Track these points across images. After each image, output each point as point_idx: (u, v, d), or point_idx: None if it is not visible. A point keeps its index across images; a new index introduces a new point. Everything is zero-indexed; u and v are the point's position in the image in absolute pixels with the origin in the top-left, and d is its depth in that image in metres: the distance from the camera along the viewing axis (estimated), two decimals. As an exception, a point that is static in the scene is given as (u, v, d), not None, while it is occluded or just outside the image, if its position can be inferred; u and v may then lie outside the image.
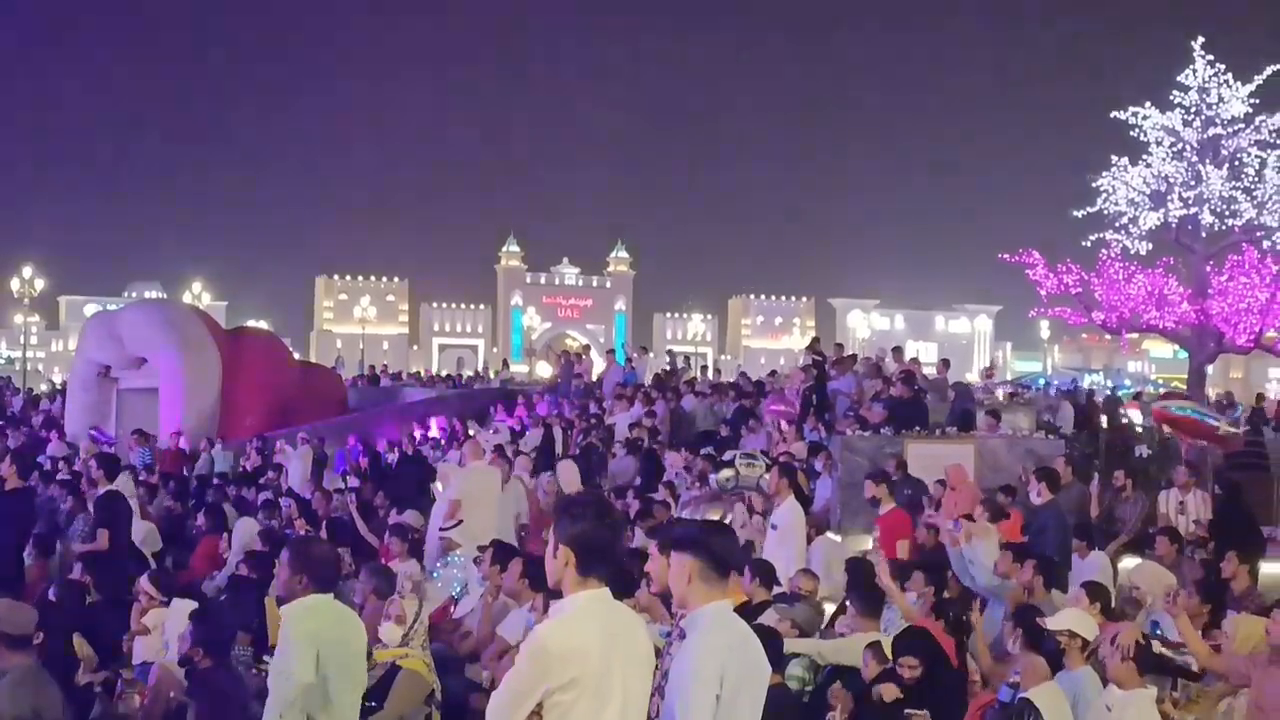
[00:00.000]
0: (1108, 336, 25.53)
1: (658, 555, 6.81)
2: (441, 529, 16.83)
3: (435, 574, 15.10)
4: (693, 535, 6.13)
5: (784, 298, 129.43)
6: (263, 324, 75.56)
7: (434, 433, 32.15)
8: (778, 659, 9.52)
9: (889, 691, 9.26)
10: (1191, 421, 17.32)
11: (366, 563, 13.62)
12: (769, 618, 10.82)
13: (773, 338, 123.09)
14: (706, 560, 5.91)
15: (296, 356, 54.18)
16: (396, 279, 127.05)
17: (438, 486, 19.09)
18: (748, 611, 11.70)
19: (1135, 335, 28.95)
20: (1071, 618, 9.82)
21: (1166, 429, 17.94)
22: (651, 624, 10.45)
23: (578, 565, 5.56)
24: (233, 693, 8.78)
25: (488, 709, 5.53)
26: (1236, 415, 17.87)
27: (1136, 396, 35.66)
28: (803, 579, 12.48)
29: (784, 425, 24.59)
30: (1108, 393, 36.91)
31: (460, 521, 16.63)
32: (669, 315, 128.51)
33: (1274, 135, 22.34)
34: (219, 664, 9.14)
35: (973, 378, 60.55)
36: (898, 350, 31.10)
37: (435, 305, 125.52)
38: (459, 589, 14.09)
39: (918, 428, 21.77)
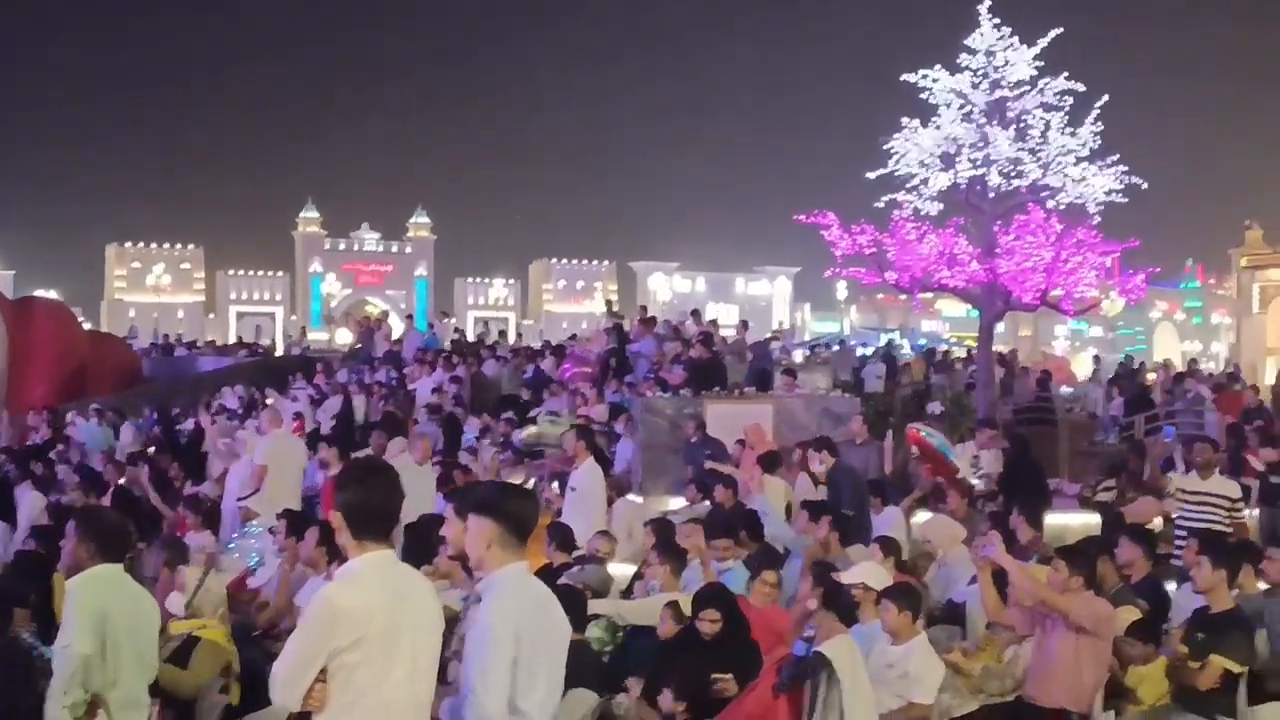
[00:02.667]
0: (902, 296, 25.91)
1: (454, 519, 6.78)
2: (239, 498, 16.59)
3: (232, 545, 14.87)
4: (491, 499, 6.11)
5: (586, 261, 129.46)
6: (52, 293, 73.36)
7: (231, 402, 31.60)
8: (581, 619, 9.55)
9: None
10: (935, 454, 17.71)
11: (158, 535, 13.36)
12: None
13: (575, 302, 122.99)
14: (505, 524, 5.91)
15: (88, 326, 52.86)
16: (191, 246, 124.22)
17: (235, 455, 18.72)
18: (548, 575, 11.72)
19: (928, 295, 29.53)
20: (865, 572, 10.02)
21: (914, 449, 18.30)
22: (452, 589, 10.43)
23: (351, 530, 5.55)
24: (18, 670, 8.51)
25: (273, 674, 5.47)
26: (981, 472, 18.24)
27: (929, 355, 36.49)
28: (601, 541, 12.53)
29: (584, 388, 24.68)
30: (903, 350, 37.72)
31: (257, 490, 16.41)
32: (471, 280, 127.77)
33: (1058, 97, 22.81)
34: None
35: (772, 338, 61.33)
36: (696, 313, 31.35)
37: (232, 273, 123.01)
38: (256, 559, 13.88)
39: (717, 388, 21.98)
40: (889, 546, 11.55)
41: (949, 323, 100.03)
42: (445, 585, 10.64)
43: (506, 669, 5.66)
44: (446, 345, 33.67)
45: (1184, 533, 13.05)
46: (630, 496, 17.56)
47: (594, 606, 10.56)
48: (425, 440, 17.00)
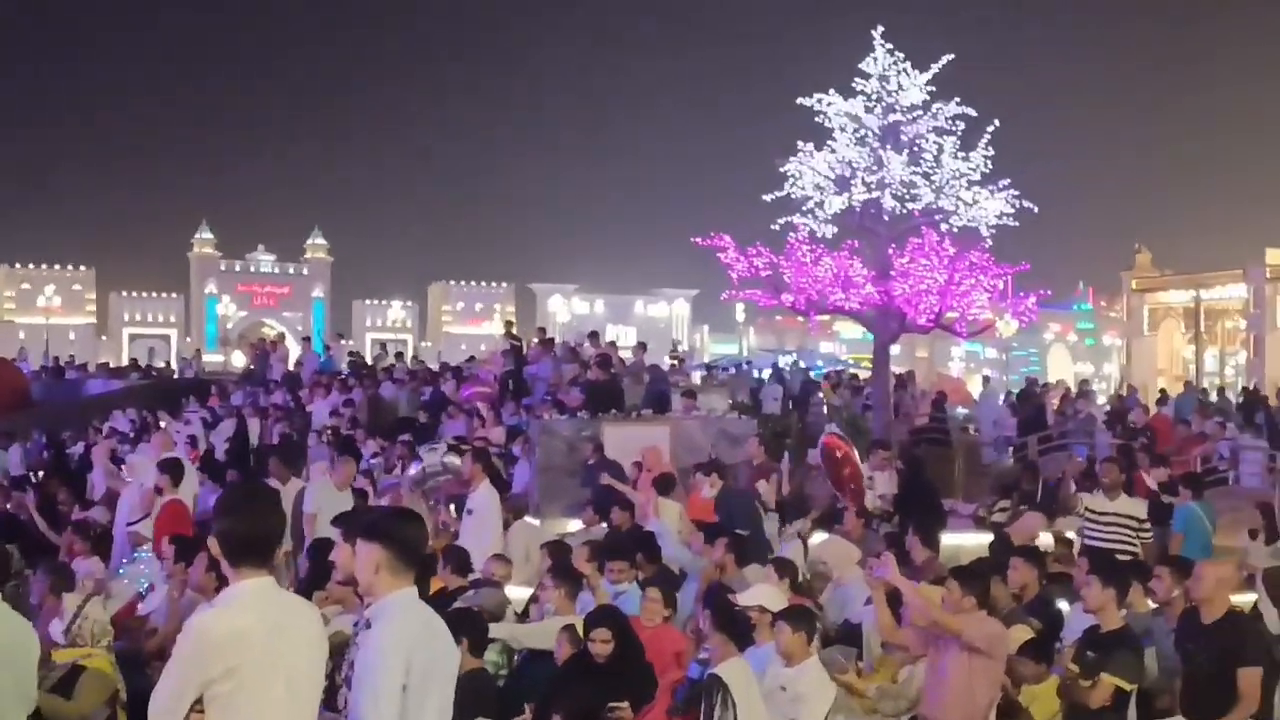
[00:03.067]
0: (800, 318, 26.06)
1: (343, 544, 6.69)
2: (129, 523, 16.29)
3: (122, 570, 14.60)
4: (379, 524, 6.04)
5: (485, 283, 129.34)
6: (-62, 316, 71.97)
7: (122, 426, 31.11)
8: (481, 644, 9.48)
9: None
10: (851, 459, 17.83)
11: (43, 561, 13.09)
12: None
13: (474, 323, 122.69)
14: (393, 549, 5.84)
15: (-26, 349, 51.91)
16: (83, 267, 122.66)
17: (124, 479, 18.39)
18: (444, 599, 11.63)
19: (826, 317, 29.70)
20: (761, 594, 10.02)
21: (839, 452, 18.35)
22: (345, 614, 10.30)
23: (227, 556, 5.47)
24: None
25: (150, 707, 5.36)
26: (876, 492, 18.33)
27: (827, 376, 36.70)
28: (495, 565, 12.45)
29: (482, 409, 24.57)
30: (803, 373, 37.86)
31: (147, 515, 16.12)
32: (368, 302, 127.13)
33: (950, 122, 23.06)
34: None
35: (671, 360, 61.37)
36: (595, 334, 31.34)
37: (125, 294, 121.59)
38: (146, 585, 13.63)
39: (614, 410, 21.98)
40: (785, 568, 11.58)
41: (846, 344, 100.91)
42: (338, 610, 10.51)
43: (396, 695, 5.59)
44: (343, 368, 33.38)
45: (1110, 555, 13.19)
46: (527, 519, 17.46)
47: (490, 631, 10.47)
48: (350, 464, 16.80)
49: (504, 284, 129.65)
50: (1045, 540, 16.09)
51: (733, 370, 40.83)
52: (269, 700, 5.32)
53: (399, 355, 39.65)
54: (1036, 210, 23.18)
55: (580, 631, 9.78)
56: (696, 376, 34.58)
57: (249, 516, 5.53)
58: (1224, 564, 10.46)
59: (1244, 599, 12.08)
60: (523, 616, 12.04)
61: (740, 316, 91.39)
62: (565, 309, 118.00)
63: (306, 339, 40.62)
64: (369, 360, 38.89)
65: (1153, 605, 10.70)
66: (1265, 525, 16.99)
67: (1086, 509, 14.49)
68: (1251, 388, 38.18)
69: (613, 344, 32.05)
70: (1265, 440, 25.69)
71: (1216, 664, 9.05)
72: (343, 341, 40.85)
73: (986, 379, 42.71)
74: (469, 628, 8.84)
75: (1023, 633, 10.19)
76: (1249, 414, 29.72)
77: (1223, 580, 9.48)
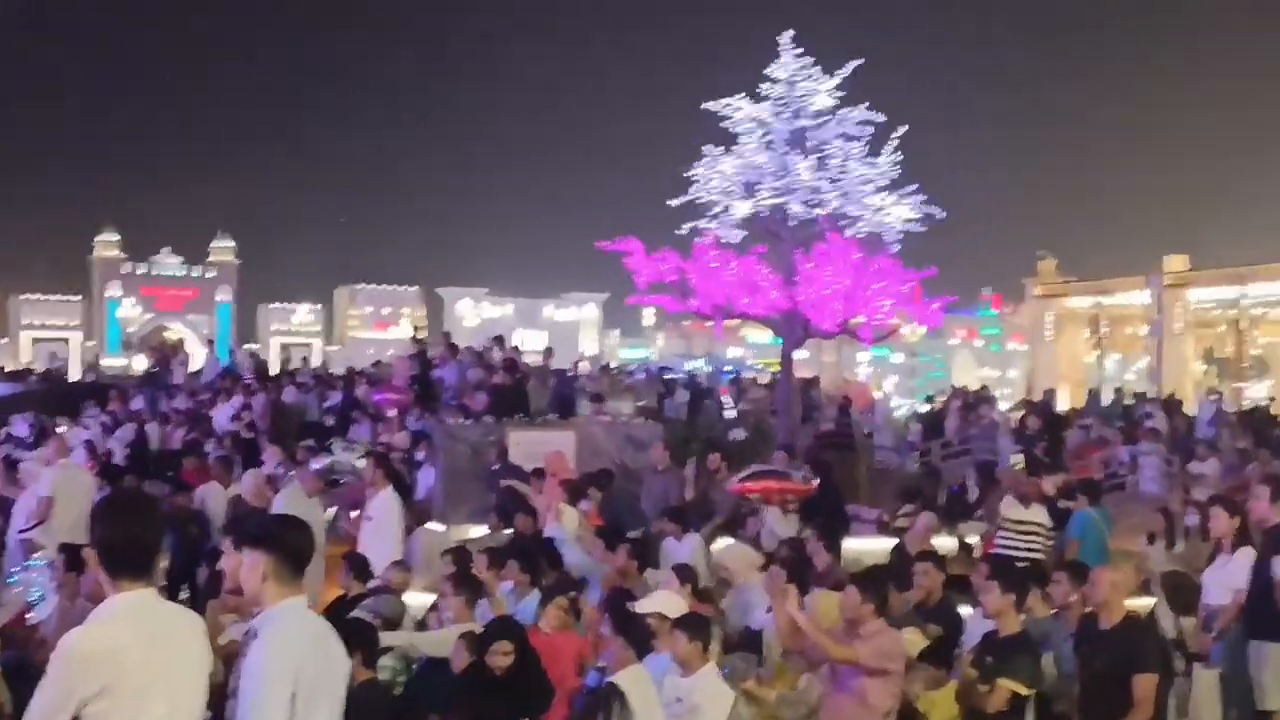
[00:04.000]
0: (707, 323, 26.07)
1: (231, 551, 6.56)
2: (22, 530, 16.01)
3: (13, 579, 14.35)
4: (267, 531, 5.92)
5: (392, 287, 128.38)
6: None
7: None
8: (372, 655, 9.35)
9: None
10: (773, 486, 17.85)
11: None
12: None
13: (381, 328, 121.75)
14: (280, 557, 5.72)
15: None
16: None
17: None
18: (344, 605, 11.51)
19: (733, 321, 29.73)
20: (661, 600, 9.96)
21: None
22: (241, 622, 10.14)
23: (105, 568, 5.31)
24: None
25: None
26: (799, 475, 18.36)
27: (734, 381, 36.76)
28: (394, 572, 12.33)
29: (390, 414, 24.43)
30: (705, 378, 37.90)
31: (41, 522, 15.86)
32: (275, 306, 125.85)
33: (857, 127, 23.15)
34: None
35: (584, 366, 61.28)
36: (500, 339, 31.20)
37: (25, 297, 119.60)
38: (38, 594, 13.38)
39: (519, 415, 21.89)
40: (686, 574, 11.51)
41: (754, 349, 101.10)
42: (234, 619, 10.36)
43: (282, 706, 5.48)
44: (247, 372, 33.00)
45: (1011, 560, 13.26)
46: (431, 525, 17.32)
47: (387, 639, 10.34)
48: (316, 472, 16.62)
49: (412, 287, 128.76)
50: (948, 545, 16.20)
51: (642, 375, 40.84)
52: (149, 718, 5.18)
53: (305, 359, 39.31)
54: (943, 216, 23.31)
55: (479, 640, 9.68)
56: (604, 380, 34.57)
57: (125, 525, 5.36)
58: (1121, 569, 10.55)
59: (1142, 603, 12.19)
60: (422, 624, 11.93)
61: (649, 321, 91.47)
62: (474, 313, 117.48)
63: (211, 342, 40.22)
64: (275, 364, 38.52)
65: (1051, 610, 10.75)
66: (1164, 530, 17.19)
67: (1005, 518, 14.53)
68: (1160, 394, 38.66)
69: (517, 348, 31.95)
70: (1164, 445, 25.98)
71: (1113, 669, 9.11)
72: (248, 346, 40.43)
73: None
74: (361, 637, 8.71)
75: (916, 636, 10.23)
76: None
77: (1119, 585, 9.54)
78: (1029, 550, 13.69)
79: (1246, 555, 10.97)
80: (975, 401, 32.70)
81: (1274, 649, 10.48)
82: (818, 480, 18.25)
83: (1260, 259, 45.33)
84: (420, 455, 21.24)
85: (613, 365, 37.86)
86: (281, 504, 14.75)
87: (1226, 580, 11.17)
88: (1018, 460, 21.16)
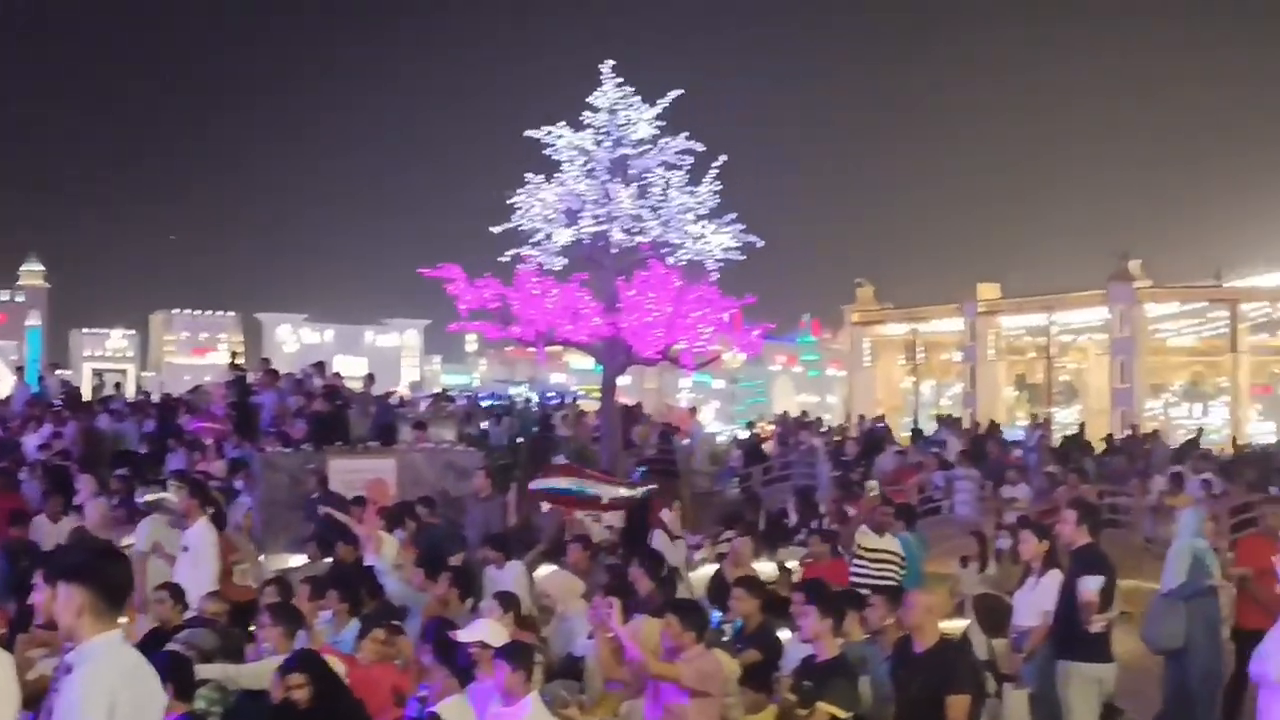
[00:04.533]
0: (530, 349, 26.09)
1: (43, 585, 6.41)
2: None
3: None
4: (82, 564, 5.79)
5: (209, 312, 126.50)
6: None
7: None
8: (188, 688, 9.17)
9: None
10: (569, 499, 17.98)
11: None
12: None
13: (198, 354, 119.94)
14: (97, 590, 5.61)
15: None
16: None
17: None
18: (161, 636, 11.27)
19: (556, 348, 29.78)
20: (483, 629, 9.92)
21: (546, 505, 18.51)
22: (51, 656, 9.89)
23: None
24: None
25: None
26: (604, 524, 18.51)
27: (559, 407, 36.80)
28: (210, 603, 12.11)
29: (208, 442, 24.01)
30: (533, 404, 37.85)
31: None
32: (87, 331, 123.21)
33: (678, 156, 23.34)
34: None
35: (403, 390, 60.76)
36: (321, 365, 30.83)
37: None
38: None
39: (339, 442, 21.70)
40: (508, 602, 11.47)
41: (577, 375, 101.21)
42: (44, 653, 10.12)
43: (99, 740, 5.37)
44: (57, 399, 32.16)
45: (867, 589, 13.44)
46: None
47: (203, 671, 10.15)
48: (192, 501, 16.18)
49: (230, 313, 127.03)
50: (768, 569, 16.37)
51: (463, 401, 40.65)
52: None
53: (118, 385, 38.47)
54: (761, 244, 23.58)
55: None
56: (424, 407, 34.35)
57: None
58: (935, 592, 10.76)
59: (956, 625, 12.44)
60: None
61: (472, 347, 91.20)
62: (294, 339, 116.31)
63: (20, 368, 39.14)
64: (88, 390, 37.58)
65: (867, 634, 10.92)
66: (977, 553, 17.56)
67: (860, 546, 14.61)
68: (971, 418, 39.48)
69: (338, 374, 31.61)
70: (978, 470, 26.52)
71: (928, 691, 9.26)
72: (59, 372, 39.33)
73: (692, 409, 43.39)
74: (176, 671, 8.55)
75: (742, 661, 10.33)
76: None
77: (933, 608, 9.72)
78: (882, 578, 13.86)
79: (1054, 577, 11.25)
80: (795, 427, 33.15)
81: (1080, 668, 10.76)
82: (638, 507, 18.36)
83: (1068, 287, 46.53)
84: (238, 483, 20.90)
85: (434, 391, 37.58)
86: (145, 533, 14.46)
87: (1035, 602, 11.45)
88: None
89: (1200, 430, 37.18)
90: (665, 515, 17.71)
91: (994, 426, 35.10)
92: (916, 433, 33.92)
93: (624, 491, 18.29)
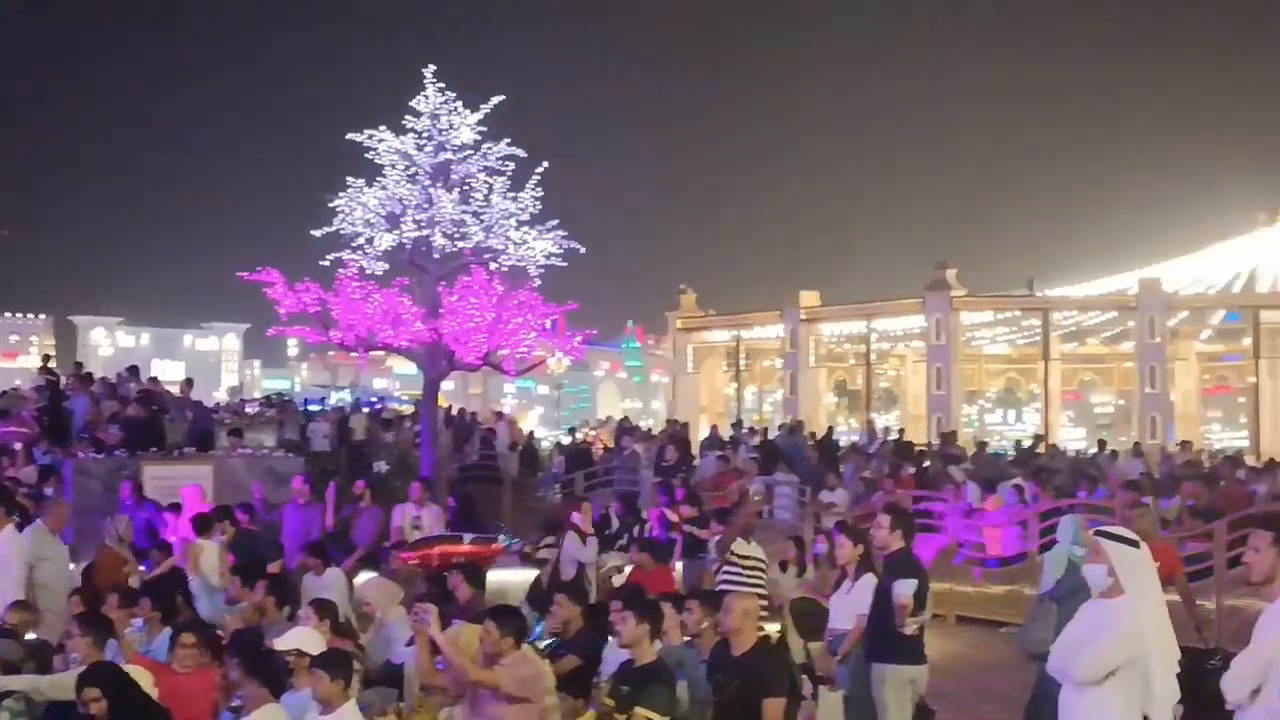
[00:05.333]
0: (351, 355, 25.86)
1: None
2: None
3: None
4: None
5: (19, 315, 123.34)
6: None
7: None
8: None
9: None
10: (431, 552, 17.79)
11: None
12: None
13: (8, 357, 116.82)
14: None
15: None
16: None
17: None
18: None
19: (378, 353, 29.55)
20: (299, 637, 9.82)
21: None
22: None
23: None
24: None
25: None
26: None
27: (380, 411, 36.56)
28: (14, 613, 11.83)
29: (17, 447, 23.44)
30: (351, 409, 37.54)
31: None
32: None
33: (500, 162, 23.32)
34: None
35: (220, 395, 60.05)
36: (136, 369, 30.26)
37: None
38: None
39: (155, 448, 21.33)
40: (324, 609, 11.36)
41: (400, 380, 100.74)
42: None
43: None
44: None
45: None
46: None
47: (7, 683, 9.94)
48: (63, 506, 15.68)
49: (41, 315, 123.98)
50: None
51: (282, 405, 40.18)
52: None
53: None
54: (583, 251, 23.66)
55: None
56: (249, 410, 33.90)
57: None
58: (752, 596, 10.84)
59: (773, 629, 12.59)
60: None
61: (293, 352, 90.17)
62: (109, 342, 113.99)
63: None
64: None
65: (685, 638, 11.00)
66: (795, 557, 17.78)
67: (733, 553, 14.58)
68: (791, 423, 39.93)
69: (155, 379, 31.05)
70: (798, 475, 26.86)
71: (744, 695, 9.36)
72: None
73: (511, 420, 43.56)
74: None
75: (560, 668, 10.35)
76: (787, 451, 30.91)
77: (750, 612, 9.81)
78: (752, 584, 13.96)
79: (868, 581, 11.45)
80: (619, 433, 33.31)
81: (893, 670, 10.96)
82: (460, 511, 18.33)
83: (887, 296, 47.29)
84: (48, 490, 20.44)
85: (256, 396, 37.11)
86: (29, 541, 14.02)
87: (850, 605, 11.64)
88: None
89: (1038, 437, 38.07)
90: (575, 517, 17.77)
91: (829, 431, 35.64)
92: (733, 440, 34.26)
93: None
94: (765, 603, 13.66)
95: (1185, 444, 33.88)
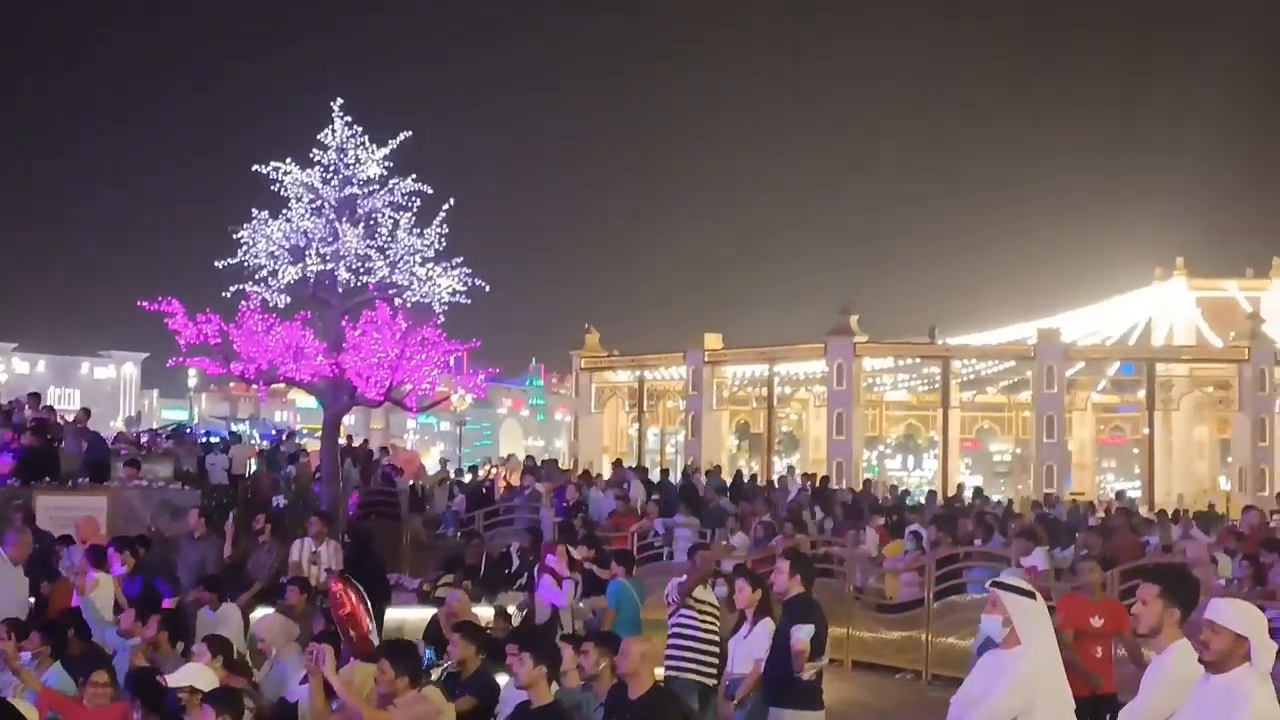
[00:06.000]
0: (252, 387, 25.65)
1: None
2: None
3: None
4: None
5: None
6: None
7: None
8: None
9: None
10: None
11: None
12: None
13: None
14: None
15: None
16: None
17: None
18: None
19: (280, 386, 29.29)
20: (191, 673, 9.74)
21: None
22: None
23: None
24: None
25: None
26: (322, 566, 18.20)
27: (278, 445, 36.27)
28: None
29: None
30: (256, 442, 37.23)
31: None
32: None
33: (406, 198, 23.24)
34: None
35: (118, 425, 59.24)
36: (34, 396, 29.84)
37: None
38: None
39: (48, 478, 21.06)
40: (218, 646, 11.26)
41: (301, 413, 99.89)
42: None
43: None
44: None
45: (694, 640, 13.68)
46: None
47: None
48: (27, 535, 15.36)
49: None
50: (486, 614, 16.39)
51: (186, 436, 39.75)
52: None
53: None
54: (488, 289, 23.62)
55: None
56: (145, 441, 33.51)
57: None
58: (650, 639, 10.90)
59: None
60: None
61: (193, 382, 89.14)
62: (2, 369, 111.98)
63: None
64: None
65: (581, 681, 11.00)
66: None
67: (694, 599, 14.48)
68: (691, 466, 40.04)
69: (50, 408, 30.62)
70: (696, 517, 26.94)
71: (640, 737, 9.39)
72: None
73: (444, 461, 43.47)
74: None
75: (459, 708, 10.33)
76: (687, 493, 30.99)
77: (647, 655, 9.85)
78: (706, 629, 13.98)
79: (766, 625, 11.52)
80: (525, 471, 33.28)
81: (791, 715, 11.03)
82: (358, 547, 18.19)
83: (790, 340, 47.64)
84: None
85: (154, 426, 36.72)
86: None
87: (749, 649, 11.71)
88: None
89: (975, 489, 38.62)
90: (550, 559, 17.59)
91: (738, 475, 35.83)
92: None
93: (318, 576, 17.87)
94: (717, 649, 13.73)
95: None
